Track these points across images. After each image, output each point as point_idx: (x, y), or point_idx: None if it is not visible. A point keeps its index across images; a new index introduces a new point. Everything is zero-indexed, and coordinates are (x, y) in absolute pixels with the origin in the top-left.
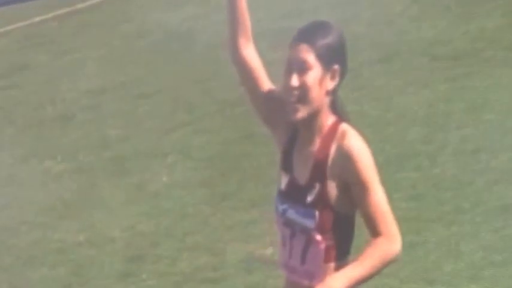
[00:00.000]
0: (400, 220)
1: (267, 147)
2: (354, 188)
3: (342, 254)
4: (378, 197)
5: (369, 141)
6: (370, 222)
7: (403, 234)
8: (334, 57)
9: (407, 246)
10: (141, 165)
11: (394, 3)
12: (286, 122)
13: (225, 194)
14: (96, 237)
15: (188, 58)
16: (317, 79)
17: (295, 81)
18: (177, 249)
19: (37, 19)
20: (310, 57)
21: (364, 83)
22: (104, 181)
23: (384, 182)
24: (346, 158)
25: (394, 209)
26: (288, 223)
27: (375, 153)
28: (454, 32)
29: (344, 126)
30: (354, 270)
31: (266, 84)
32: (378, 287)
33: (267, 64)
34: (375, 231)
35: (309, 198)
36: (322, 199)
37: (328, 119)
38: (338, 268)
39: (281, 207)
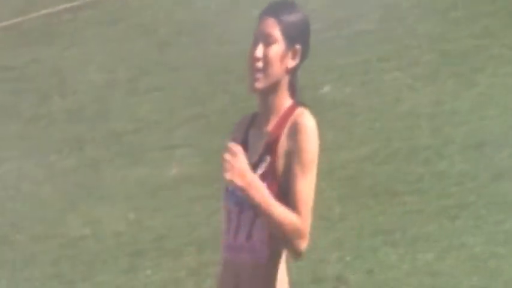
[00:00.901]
0: (405, 213)
1: None
2: (292, 163)
3: None
4: (307, 184)
5: (377, 135)
6: (291, 203)
7: (408, 226)
8: (297, 36)
9: (411, 239)
10: (149, 158)
11: (403, 0)
12: (241, 128)
13: None
14: (101, 231)
15: (198, 52)
16: (279, 54)
17: (259, 52)
18: (183, 244)
19: (47, 11)
20: (276, 31)
21: (373, 77)
22: (110, 174)
23: (391, 175)
24: (296, 132)
25: (401, 202)
26: (237, 202)
27: (383, 147)
28: (461, 30)
29: (301, 109)
30: (265, 197)
31: None
32: (382, 280)
33: None
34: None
35: (259, 171)
36: (271, 172)
37: (285, 101)
38: (279, 242)
39: (231, 188)
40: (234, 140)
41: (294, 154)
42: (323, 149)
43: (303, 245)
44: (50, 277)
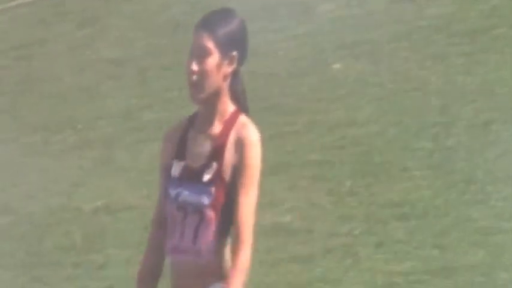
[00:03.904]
0: (415, 188)
1: (288, 117)
2: (237, 174)
3: (227, 232)
4: (251, 197)
5: (387, 112)
6: (235, 216)
7: (417, 201)
8: (232, 44)
9: (420, 212)
10: (160, 135)
11: None
12: (176, 134)
13: None
14: (114, 205)
15: None
16: (214, 65)
17: (194, 66)
18: None
19: None
20: (210, 44)
21: (384, 57)
22: (124, 150)
23: (401, 151)
24: (242, 146)
25: (410, 177)
26: (180, 207)
27: (393, 124)
28: (470, 10)
29: (244, 118)
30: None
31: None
32: (392, 252)
33: None
34: (235, 229)
35: (206, 177)
36: (218, 177)
37: (228, 106)
38: (224, 244)
39: (174, 193)
40: (166, 150)
41: (239, 169)
42: (335, 125)
43: (249, 258)
44: (63, 249)
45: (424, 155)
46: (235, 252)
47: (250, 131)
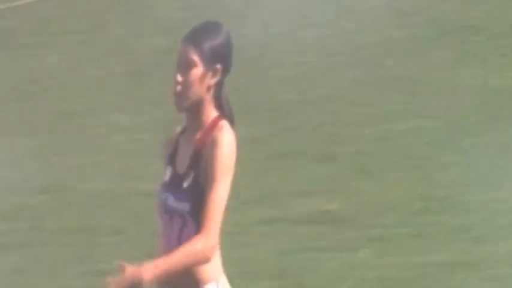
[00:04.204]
0: (451, 182)
1: (340, 107)
2: (207, 174)
3: None
4: (219, 193)
5: (424, 109)
6: (202, 212)
7: (451, 194)
8: (216, 58)
9: (454, 205)
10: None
11: None
12: (172, 141)
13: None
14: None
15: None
16: (197, 76)
17: (179, 77)
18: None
19: None
20: (195, 57)
21: (420, 55)
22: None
23: (439, 146)
24: (211, 146)
25: (446, 172)
26: (167, 210)
27: (431, 119)
28: (508, 11)
29: (223, 122)
30: (165, 263)
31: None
32: (429, 243)
33: None
34: (201, 222)
35: (185, 184)
36: (195, 186)
37: (211, 114)
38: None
39: (163, 196)
40: (165, 153)
41: (208, 167)
42: (382, 118)
43: (210, 254)
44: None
45: (461, 151)
46: (192, 239)
47: (222, 132)
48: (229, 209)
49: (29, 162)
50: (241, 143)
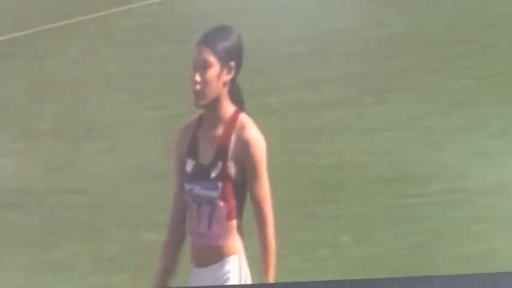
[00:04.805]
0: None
1: None
2: (248, 171)
3: (240, 212)
4: (266, 188)
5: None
6: (257, 202)
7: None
8: (230, 55)
9: (473, 189)
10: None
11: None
12: (187, 137)
13: None
14: None
15: None
16: (215, 75)
17: (197, 77)
18: None
19: None
20: (211, 58)
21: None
22: None
23: (464, 143)
24: (245, 146)
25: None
26: (194, 199)
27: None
28: None
29: (243, 117)
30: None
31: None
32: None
33: None
34: (260, 210)
35: (213, 174)
36: (224, 174)
37: (228, 108)
38: (239, 224)
39: (188, 187)
40: (180, 144)
41: (248, 167)
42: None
43: (273, 236)
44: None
45: (487, 151)
46: (261, 230)
47: (250, 131)
48: None
49: None
50: None
